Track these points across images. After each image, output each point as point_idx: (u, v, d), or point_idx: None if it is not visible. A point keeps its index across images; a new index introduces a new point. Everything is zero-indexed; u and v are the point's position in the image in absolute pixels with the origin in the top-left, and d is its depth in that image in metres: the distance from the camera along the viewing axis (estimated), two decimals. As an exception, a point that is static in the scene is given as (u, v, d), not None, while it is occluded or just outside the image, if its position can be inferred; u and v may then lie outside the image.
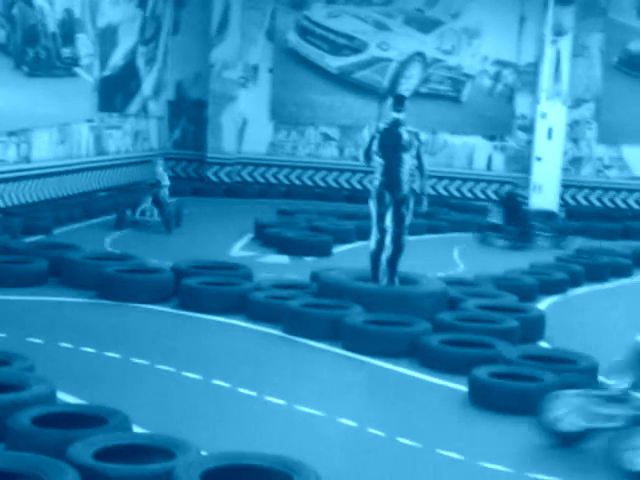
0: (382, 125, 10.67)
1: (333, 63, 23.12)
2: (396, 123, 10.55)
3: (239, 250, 14.82)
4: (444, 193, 22.74)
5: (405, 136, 10.50)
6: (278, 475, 5.45)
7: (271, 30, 23.34)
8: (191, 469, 5.36)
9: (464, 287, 11.63)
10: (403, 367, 8.83)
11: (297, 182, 23.36)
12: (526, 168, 22.40)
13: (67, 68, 17.88)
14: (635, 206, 22.64)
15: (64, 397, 7.21)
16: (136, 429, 6.53)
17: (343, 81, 23.12)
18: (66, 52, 17.69)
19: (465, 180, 23.02)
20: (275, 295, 10.59)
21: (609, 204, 22.70)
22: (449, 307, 10.59)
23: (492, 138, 22.95)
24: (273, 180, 23.44)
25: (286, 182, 23.38)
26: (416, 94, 22.57)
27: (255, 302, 10.35)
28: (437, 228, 18.01)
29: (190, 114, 23.65)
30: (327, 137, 23.43)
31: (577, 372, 8.31)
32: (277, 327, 9.94)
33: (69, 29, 17.76)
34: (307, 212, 18.36)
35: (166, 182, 16.60)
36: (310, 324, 9.65)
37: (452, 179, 22.96)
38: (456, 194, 22.90)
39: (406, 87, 22.68)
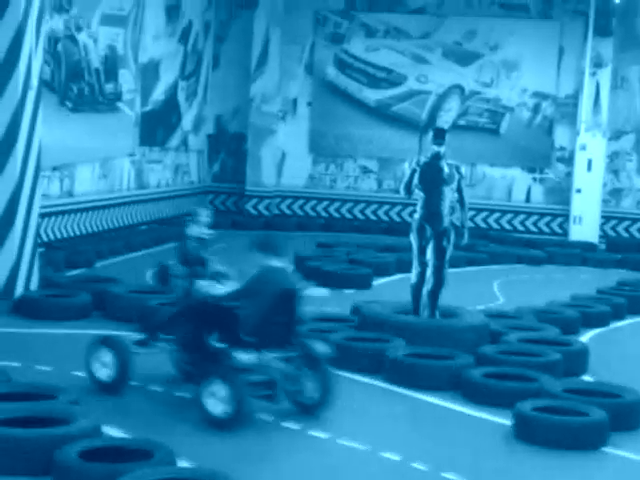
0: (423, 158, 10.71)
1: (372, 96, 23.22)
2: (437, 156, 10.58)
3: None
4: (483, 225, 22.68)
5: (446, 169, 10.53)
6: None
7: (310, 64, 23.51)
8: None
9: (505, 320, 11.58)
10: (446, 400, 8.80)
11: (336, 215, 23.41)
12: (566, 200, 22.31)
13: (110, 103, 18.11)
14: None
15: (109, 431, 7.26)
16: (180, 463, 6.55)
17: (381, 114, 23.20)
18: (109, 88, 17.93)
19: (504, 212, 22.96)
20: (316, 328, 10.59)
21: (650, 236, 22.51)
22: (490, 340, 10.55)
23: (531, 170, 22.89)
24: (312, 213, 23.51)
25: (325, 215, 23.44)
26: (455, 126, 22.58)
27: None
28: (476, 260, 17.96)
29: (229, 148, 23.84)
30: (366, 170, 23.48)
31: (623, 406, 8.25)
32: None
33: (112, 65, 18.01)
34: (346, 245, 18.38)
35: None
36: (352, 357, 9.64)
37: (491, 211, 22.90)
38: (495, 226, 22.83)
39: (445, 120, 22.71)
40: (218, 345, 8.06)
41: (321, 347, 8.05)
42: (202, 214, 13.24)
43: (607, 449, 7.65)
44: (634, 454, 7.57)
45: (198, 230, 12.36)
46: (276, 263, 8.04)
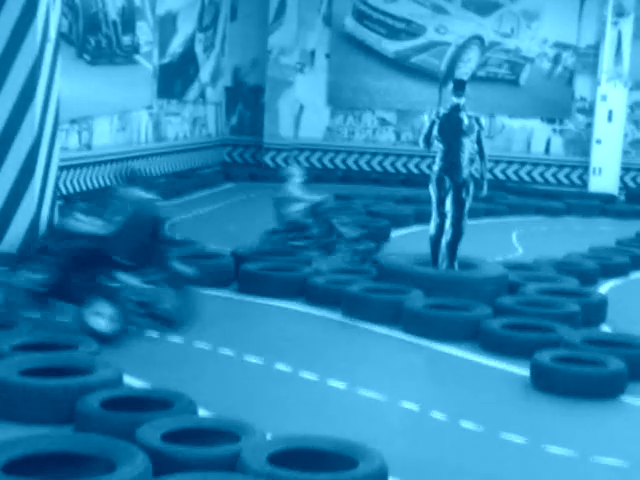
0: (442, 110, 10.66)
1: (390, 47, 23.04)
2: (456, 108, 10.53)
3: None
4: (501, 177, 22.59)
5: (466, 121, 10.48)
6: (343, 459, 5.51)
7: (328, 15, 23.32)
8: (257, 452, 5.44)
9: (524, 271, 11.57)
10: (464, 351, 8.83)
11: (354, 167, 23.36)
12: (585, 151, 22.17)
13: (127, 56, 18.05)
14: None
15: (130, 381, 7.34)
16: (201, 412, 6.63)
17: (400, 65, 23.04)
18: (126, 40, 17.86)
19: (523, 164, 22.84)
20: (334, 280, 10.64)
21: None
22: (509, 291, 10.56)
23: (551, 121, 22.73)
24: (330, 165, 23.46)
25: (343, 167, 23.39)
26: (474, 78, 22.40)
27: (315, 287, 10.41)
28: (495, 212, 17.92)
29: (247, 100, 23.77)
30: (384, 122, 23.37)
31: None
32: (337, 312, 9.99)
33: (129, 17, 17.92)
34: (364, 197, 18.35)
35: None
36: (370, 308, 9.69)
37: (510, 163, 22.78)
38: (514, 178, 22.73)
39: (464, 71, 22.54)
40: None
41: (186, 269, 8.90)
42: (295, 174, 12.91)
43: (625, 398, 7.68)
44: (652, 403, 7.62)
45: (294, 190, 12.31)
46: (144, 195, 8.98)
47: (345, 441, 5.71)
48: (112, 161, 17.53)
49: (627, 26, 21.32)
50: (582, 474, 6.16)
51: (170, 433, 5.79)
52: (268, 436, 6.02)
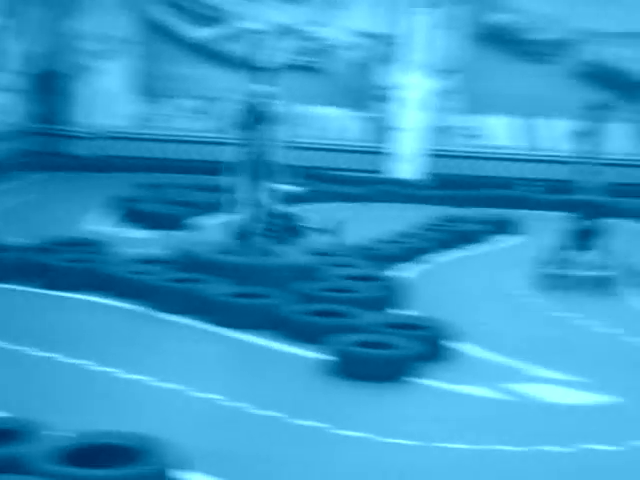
0: (249, 98, 10.65)
1: (198, 34, 22.83)
2: (262, 95, 10.54)
3: (101, 224, 14.54)
4: (308, 164, 22.75)
5: (271, 108, 10.51)
6: (132, 452, 5.42)
7: (135, 1, 22.87)
8: (42, 450, 5.29)
9: (326, 257, 11.67)
10: (265, 339, 8.84)
11: (159, 155, 22.99)
12: (388, 138, 22.63)
13: None
14: (499, 174, 23.12)
15: None
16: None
17: (209, 53, 22.87)
18: None
19: (328, 150, 23.10)
20: (137, 270, 10.44)
21: (475, 172, 23.10)
22: (311, 278, 10.62)
23: (356, 109, 23.09)
24: (137, 153, 23.02)
25: (149, 155, 22.99)
26: (283, 66, 22.49)
27: (117, 278, 10.19)
28: (300, 198, 17.97)
29: (47, 87, 23.03)
30: (192, 109, 23.16)
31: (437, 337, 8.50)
32: (140, 303, 9.79)
33: None
34: (173, 186, 18.10)
35: None
36: (172, 299, 9.56)
37: (316, 150, 22.99)
38: (318, 164, 22.89)
39: (273, 59, 22.55)
40: None
41: None
42: None
43: (418, 379, 7.87)
44: (444, 382, 7.83)
45: None
46: None
47: (134, 434, 5.61)
48: None
49: (430, 16, 21.86)
50: (377, 456, 6.27)
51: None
52: (58, 433, 5.83)
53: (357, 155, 23.12)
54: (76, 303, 9.88)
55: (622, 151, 22.59)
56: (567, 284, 11.63)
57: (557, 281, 11.69)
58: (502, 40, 22.87)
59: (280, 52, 22.72)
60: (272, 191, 10.64)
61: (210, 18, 22.76)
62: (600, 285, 11.59)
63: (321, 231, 13.16)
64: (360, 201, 18.92)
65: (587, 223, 12.00)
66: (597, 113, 20.36)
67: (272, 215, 10.69)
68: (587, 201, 12.39)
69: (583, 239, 11.91)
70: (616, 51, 22.55)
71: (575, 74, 22.73)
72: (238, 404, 7.06)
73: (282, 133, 10.67)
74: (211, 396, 7.22)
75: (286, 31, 22.72)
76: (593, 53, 22.70)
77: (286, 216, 11.13)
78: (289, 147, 10.80)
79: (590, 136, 20.46)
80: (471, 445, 6.46)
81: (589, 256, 11.81)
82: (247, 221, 10.70)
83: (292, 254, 11.00)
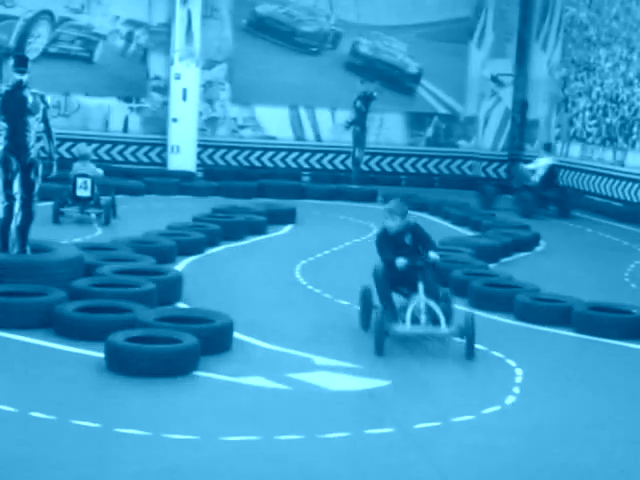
0: (4, 87, 10.19)
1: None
2: (19, 85, 10.11)
3: None
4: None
5: (30, 99, 10.10)
6: None
7: None
8: None
9: (101, 252, 11.44)
10: (37, 338, 8.54)
11: None
12: (163, 130, 22.44)
13: None
14: (268, 164, 23.39)
15: None
16: None
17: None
18: None
19: (102, 143, 22.66)
20: None
21: (244, 163, 23.28)
22: (86, 274, 10.36)
23: (127, 100, 22.73)
24: None
25: None
26: (45, 54, 21.84)
27: None
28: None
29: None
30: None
31: (214, 330, 8.47)
32: None
33: None
34: None
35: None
36: None
37: (89, 142, 22.47)
38: (94, 157, 22.43)
39: (34, 47, 21.86)
40: None
41: None
42: None
43: (198, 373, 7.83)
44: (223, 375, 7.82)
45: None
46: None
47: None
48: None
49: (196, 6, 21.80)
50: (156, 452, 6.17)
51: None
52: None
53: (133, 147, 22.81)
54: None
55: (396, 141, 23.42)
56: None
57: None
58: (271, 31, 23.14)
59: (44, 40, 22.04)
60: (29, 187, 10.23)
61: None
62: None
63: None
64: (137, 194, 18.74)
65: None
66: (363, 103, 21.04)
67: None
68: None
69: None
70: (380, 44, 23.29)
71: (343, 65, 23.32)
72: (6, 407, 6.77)
73: (44, 124, 10.23)
74: (-22, 401, 6.89)
75: (49, 18, 22.04)
76: (358, 45, 23.35)
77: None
78: (53, 139, 10.39)
79: (357, 125, 21.14)
80: (250, 436, 6.47)
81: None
82: (7, 217, 10.26)
83: (63, 249, 10.67)
